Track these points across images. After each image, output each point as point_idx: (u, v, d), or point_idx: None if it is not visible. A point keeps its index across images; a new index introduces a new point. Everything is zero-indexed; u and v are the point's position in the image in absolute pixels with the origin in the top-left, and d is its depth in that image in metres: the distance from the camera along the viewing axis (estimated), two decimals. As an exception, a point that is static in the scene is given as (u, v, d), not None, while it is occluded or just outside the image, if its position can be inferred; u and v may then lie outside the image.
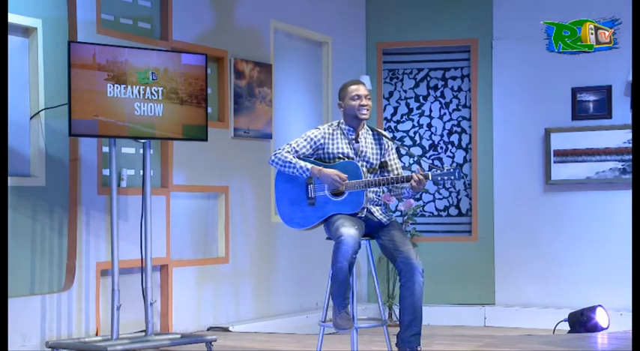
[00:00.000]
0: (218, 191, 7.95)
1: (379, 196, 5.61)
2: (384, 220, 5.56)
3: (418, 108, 9.77)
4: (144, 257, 6.36)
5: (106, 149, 6.76)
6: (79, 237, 6.67)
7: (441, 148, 9.69)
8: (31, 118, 6.56)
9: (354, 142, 5.61)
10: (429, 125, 9.73)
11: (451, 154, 9.66)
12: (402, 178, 5.45)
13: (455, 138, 9.67)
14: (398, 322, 5.52)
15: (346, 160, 5.55)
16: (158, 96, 6.29)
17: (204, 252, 7.88)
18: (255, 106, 8.28)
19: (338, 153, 5.57)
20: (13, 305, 6.07)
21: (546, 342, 7.05)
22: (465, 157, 9.63)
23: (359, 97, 5.57)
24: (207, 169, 7.82)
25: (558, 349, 6.67)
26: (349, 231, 5.28)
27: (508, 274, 9.41)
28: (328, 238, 5.53)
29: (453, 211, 9.67)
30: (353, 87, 5.62)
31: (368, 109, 5.59)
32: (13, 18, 6.32)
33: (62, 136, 6.51)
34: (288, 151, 5.55)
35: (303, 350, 6.76)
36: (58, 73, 6.52)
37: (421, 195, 9.63)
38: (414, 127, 9.76)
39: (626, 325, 8.04)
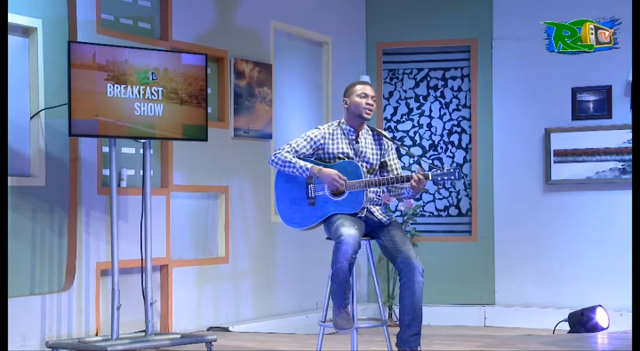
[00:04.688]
0: (218, 191, 7.95)
1: (379, 195, 5.61)
2: (384, 220, 5.57)
3: (418, 108, 9.77)
4: (144, 257, 6.36)
5: (106, 149, 6.76)
6: (79, 237, 6.67)
7: (441, 148, 9.69)
8: (31, 118, 6.56)
9: (354, 142, 5.61)
10: (429, 125, 9.73)
11: (451, 154, 9.66)
12: (402, 178, 5.45)
13: (455, 138, 9.67)
14: (398, 322, 5.52)
15: (346, 160, 5.55)
16: (158, 96, 6.29)
17: (204, 252, 7.88)
18: (255, 106, 8.28)
19: (338, 153, 5.57)
20: (13, 305, 6.07)
21: (546, 342, 7.05)
22: (465, 157, 9.63)
23: (366, 95, 5.59)
24: (207, 169, 7.82)
25: (558, 349, 6.67)
26: (349, 231, 5.28)
27: (508, 274, 9.41)
28: (328, 238, 5.53)
29: (453, 211, 9.67)
30: (361, 86, 5.65)
31: (372, 110, 5.61)
32: (13, 18, 6.32)
33: (62, 136, 6.51)
34: (288, 151, 5.55)
35: (303, 350, 6.76)
36: (58, 73, 6.52)
37: (421, 195, 9.62)
38: (414, 127, 9.76)
39: (626, 325, 8.04)
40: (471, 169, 9.57)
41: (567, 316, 8.24)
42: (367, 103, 5.59)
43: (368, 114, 5.59)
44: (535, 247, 9.33)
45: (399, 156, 9.31)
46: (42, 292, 6.50)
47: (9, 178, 6.19)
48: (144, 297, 6.36)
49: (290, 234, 7.91)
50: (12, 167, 6.32)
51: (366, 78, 9.45)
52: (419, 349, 5.43)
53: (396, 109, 9.80)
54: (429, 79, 9.76)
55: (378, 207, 5.59)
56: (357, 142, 5.62)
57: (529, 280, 9.35)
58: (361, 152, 5.60)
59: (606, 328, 8.08)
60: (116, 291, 6.17)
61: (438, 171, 5.41)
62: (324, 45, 9.31)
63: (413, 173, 5.43)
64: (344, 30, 9.53)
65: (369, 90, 5.62)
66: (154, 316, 6.79)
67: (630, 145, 8.90)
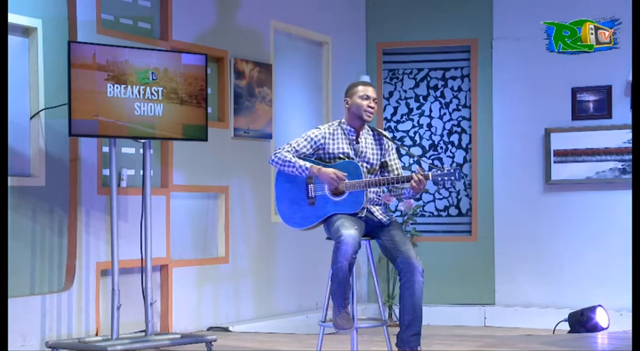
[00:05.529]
0: (218, 191, 7.95)
1: (379, 195, 5.61)
2: (384, 220, 5.56)
3: (418, 108, 9.77)
4: (144, 257, 6.36)
5: (106, 149, 6.76)
6: (79, 237, 6.67)
7: (441, 148, 9.69)
8: (31, 118, 6.56)
9: (354, 142, 5.61)
10: (429, 125, 9.73)
11: (451, 154, 9.66)
12: (403, 178, 5.45)
13: (455, 138, 9.67)
14: (398, 322, 5.52)
15: (347, 160, 5.55)
16: (158, 96, 6.29)
17: (204, 252, 7.88)
18: (255, 106, 8.28)
19: (338, 153, 5.57)
20: (13, 305, 6.07)
21: (546, 342, 7.05)
22: (465, 157, 9.63)
23: (368, 97, 5.58)
24: (207, 169, 7.82)
25: (558, 349, 6.67)
26: (349, 231, 5.28)
27: (508, 274, 9.41)
28: (328, 238, 5.53)
29: (453, 211, 9.67)
30: (363, 87, 5.62)
31: (373, 112, 5.60)
32: (13, 18, 6.32)
33: (62, 136, 6.51)
34: (288, 151, 5.55)
35: (303, 350, 6.76)
36: (58, 73, 6.52)
37: (421, 195, 9.61)
38: (414, 127, 9.76)
39: (626, 325, 8.04)
40: (471, 169, 9.57)
41: (567, 316, 8.24)
42: (369, 106, 5.58)
43: (369, 116, 5.59)
44: (535, 247, 9.33)
45: (399, 156, 9.31)
46: (42, 292, 6.49)
47: (9, 178, 6.19)
48: (144, 297, 6.36)
49: (290, 234, 7.92)
50: (12, 167, 6.32)
51: (366, 78, 9.45)
52: (419, 349, 5.43)
53: (396, 109, 9.80)
54: (429, 79, 9.76)
55: (378, 207, 5.59)
56: (358, 142, 5.62)
57: (529, 280, 9.35)
58: (361, 152, 5.60)
59: (606, 328, 8.08)
60: (116, 291, 6.17)
61: (438, 171, 5.41)
62: (324, 45, 9.31)
63: (413, 173, 5.42)
64: (344, 30, 9.53)
65: (371, 92, 5.60)
66: (154, 316, 6.78)
67: (630, 145, 8.90)
